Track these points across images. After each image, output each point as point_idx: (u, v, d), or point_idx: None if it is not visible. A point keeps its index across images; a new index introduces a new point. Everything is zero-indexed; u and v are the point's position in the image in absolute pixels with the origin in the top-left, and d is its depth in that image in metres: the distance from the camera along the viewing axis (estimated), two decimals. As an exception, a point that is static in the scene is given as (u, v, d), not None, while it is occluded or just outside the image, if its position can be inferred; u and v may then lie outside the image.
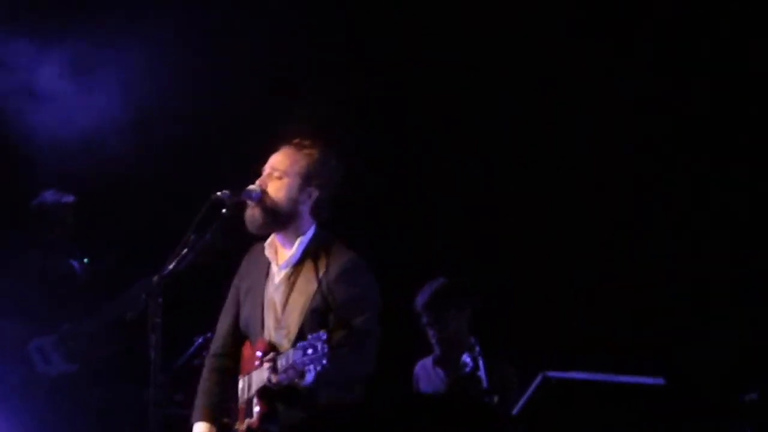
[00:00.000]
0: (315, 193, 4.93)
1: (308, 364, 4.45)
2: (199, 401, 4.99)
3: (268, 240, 5.01)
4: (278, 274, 4.95)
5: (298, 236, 4.94)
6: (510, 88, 7.23)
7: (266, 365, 4.67)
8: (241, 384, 4.94)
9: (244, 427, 4.86)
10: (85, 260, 6.73)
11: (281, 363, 4.61)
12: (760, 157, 6.97)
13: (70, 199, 6.74)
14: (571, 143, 7.19)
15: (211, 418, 4.93)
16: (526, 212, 7.20)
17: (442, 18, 7.31)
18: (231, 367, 5.01)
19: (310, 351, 4.45)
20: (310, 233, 4.96)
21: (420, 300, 6.46)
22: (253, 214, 4.91)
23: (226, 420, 4.97)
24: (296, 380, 4.60)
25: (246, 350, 5.00)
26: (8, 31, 6.97)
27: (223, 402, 4.98)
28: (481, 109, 7.29)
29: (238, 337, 5.04)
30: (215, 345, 5.10)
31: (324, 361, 4.43)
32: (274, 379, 4.62)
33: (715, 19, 7.00)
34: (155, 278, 4.68)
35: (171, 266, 4.72)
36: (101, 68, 7.11)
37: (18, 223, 6.77)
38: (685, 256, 7.00)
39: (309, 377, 4.56)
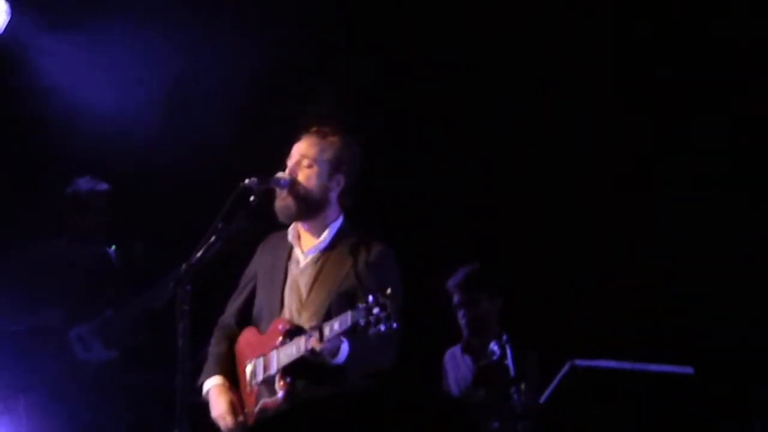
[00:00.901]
0: (342, 180, 4.99)
1: (375, 325, 4.37)
2: (212, 360, 5.03)
3: (291, 226, 5.02)
4: (303, 259, 4.98)
5: (326, 223, 4.98)
6: (525, 77, 7.21)
7: (305, 336, 4.63)
8: (250, 368, 4.94)
9: (257, 408, 4.87)
10: (113, 247, 6.76)
11: (332, 328, 4.54)
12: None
13: (104, 186, 6.78)
14: (598, 134, 7.17)
15: (226, 373, 4.97)
16: (554, 200, 7.19)
17: (448, 13, 7.31)
18: (238, 350, 5.04)
19: (377, 310, 4.38)
20: (339, 221, 5.01)
21: (453, 280, 6.51)
22: (286, 204, 4.94)
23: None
24: (328, 357, 4.60)
25: (249, 335, 5.01)
26: (40, 23, 7.03)
27: (232, 367, 5.00)
28: (496, 101, 7.28)
29: (243, 321, 5.07)
30: (224, 318, 5.14)
31: (394, 324, 4.37)
32: (318, 347, 4.58)
33: (714, 19, 6.97)
34: (183, 266, 4.70)
35: (199, 254, 4.73)
36: (131, 59, 7.15)
37: (52, 210, 6.82)
38: (713, 246, 6.97)
39: (342, 355, 4.60)
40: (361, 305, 4.43)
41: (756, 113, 6.94)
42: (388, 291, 4.42)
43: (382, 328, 4.38)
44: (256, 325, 5.02)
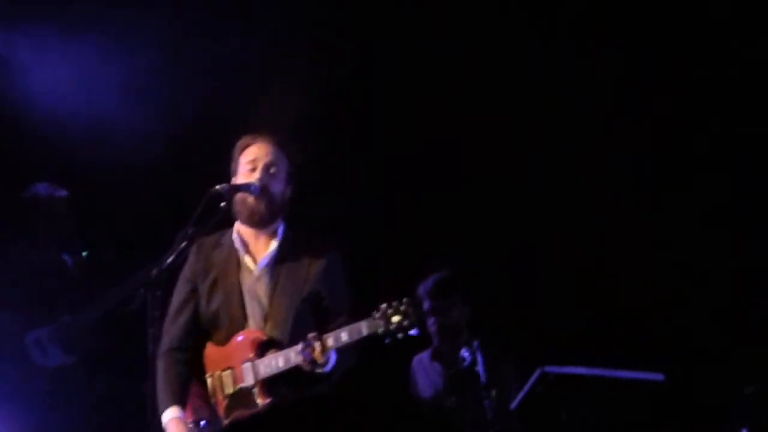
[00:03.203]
0: (289, 192, 5.06)
1: (395, 333, 4.42)
2: (169, 388, 4.90)
3: (234, 233, 5.03)
4: (256, 267, 4.96)
5: (273, 230, 5.01)
6: (498, 80, 7.20)
7: (299, 347, 4.61)
8: (212, 381, 4.90)
9: (227, 421, 4.83)
10: (84, 253, 6.72)
11: (339, 338, 4.56)
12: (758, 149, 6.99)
13: (63, 193, 6.74)
14: (570, 138, 7.17)
15: (183, 404, 4.90)
16: (524, 206, 7.18)
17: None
18: (192, 362, 4.97)
19: (397, 318, 4.42)
20: (282, 227, 5.04)
21: (424, 287, 6.46)
22: (258, 207, 4.94)
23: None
24: (319, 368, 4.63)
25: (208, 349, 4.97)
26: (9, 26, 7.00)
27: (187, 393, 4.95)
28: (470, 100, 7.27)
29: (197, 331, 5.00)
30: (173, 340, 4.98)
31: (415, 328, 4.42)
32: (321, 359, 4.60)
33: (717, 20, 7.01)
34: (154, 271, 4.66)
35: (170, 260, 4.69)
36: (92, 62, 7.13)
37: (10, 215, 6.77)
38: (683, 252, 7.00)
39: (330, 364, 4.63)
40: (376, 314, 4.48)
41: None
42: (405, 300, 4.46)
43: (400, 336, 4.43)
44: (210, 335, 4.97)
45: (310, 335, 4.63)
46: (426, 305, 6.47)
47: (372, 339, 4.51)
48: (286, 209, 5.04)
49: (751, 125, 6.96)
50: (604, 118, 7.10)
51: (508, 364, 6.26)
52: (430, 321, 6.46)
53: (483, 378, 5.82)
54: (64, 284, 6.66)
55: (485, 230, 7.17)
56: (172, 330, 5.00)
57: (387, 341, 4.46)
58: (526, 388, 5.94)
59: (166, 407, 4.86)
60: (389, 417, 6.38)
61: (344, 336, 4.57)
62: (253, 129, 5.12)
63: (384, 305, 4.48)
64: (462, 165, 7.27)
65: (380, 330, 4.45)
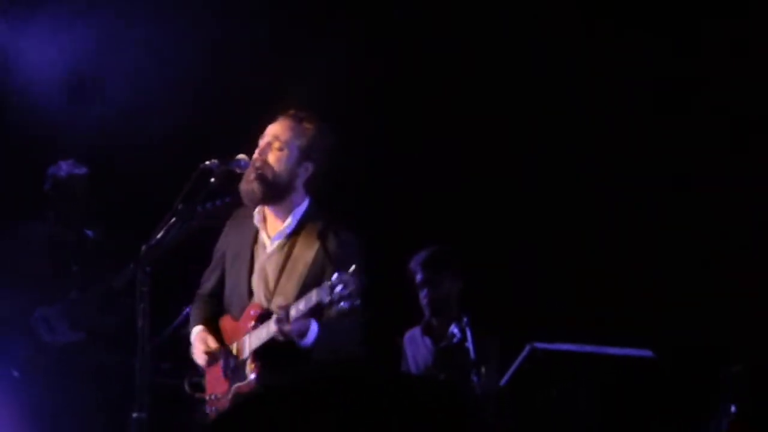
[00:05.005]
0: (311, 168, 4.95)
1: (338, 303, 4.43)
2: (200, 315, 5.11)
3: (257, 208, 5.01)
4: (270, 244, 4.96)
5: (292, 208, 4.96)
6: (498, 80, 7.20)
7: (274, 317, 4.66)
8: (224, 355, 4.95)
9: (230, 394, 4.87)
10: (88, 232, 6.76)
11: (298, 308, 4.61)
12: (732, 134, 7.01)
13: (83, 170, 6.76)
14: (558, 123, 7.17)
15: (210, 325, 5.03)
16: (514, 185, 7.19)
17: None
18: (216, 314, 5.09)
19: (339, 288, 4.43)
20: (304, 205, 4.98)
21: (416, 259, 6.47)
22: (251, 187, 4.89)
23: (198, 394, 5.04)
24: (297, 338, 4.65)
25: (225, 323, 5.03)
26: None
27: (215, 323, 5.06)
28: (470, 100, 7.26)
29: (221, 298, 5.08)
30: (208, 291, 5.16)
31: (357, 300, 4.44)
32: (286, 327, 4.63)
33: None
34: (143, 248, 4.67)
35: (159, 236, 4.70)
36: (89, 35, 7.11)
37: (30, 193, 6.79)
38: (672, 230, 7.02)
39: (310, 336, 4.64)
40: (326, 283, 4.49)
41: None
42: (351, 269, 4.46)
43: (345, 305, 4.43)
44: (228, 311, 5.03)
45: (281, 305, 4.68)
46: (419, 277, 6.47)
47: (323, 307, 4.55)
48: (301, 187, 4.94)
49: (750, 125, 6.97)
50: (604, 118, 7.10)
51: (491, 338, 6.26)
52: (422, 293, 6.47)
53: (472, 354, 5.83)
54: (79, 261, 6.68)
55: (475, 208, 7.18)
56: (203, 285, 5.20)
57: (334, 310, 4.48)
58: (516, 364, 5.97)
59: (193, 327, 5.08)
60: (382, 394, 6.38)
61: (301, 305, 4.61)
62: (284, 107, 5.06)
63: (335, 274, 4.48)
64: (455, 146, 7.26)
65: (325, 298, 4.48)
